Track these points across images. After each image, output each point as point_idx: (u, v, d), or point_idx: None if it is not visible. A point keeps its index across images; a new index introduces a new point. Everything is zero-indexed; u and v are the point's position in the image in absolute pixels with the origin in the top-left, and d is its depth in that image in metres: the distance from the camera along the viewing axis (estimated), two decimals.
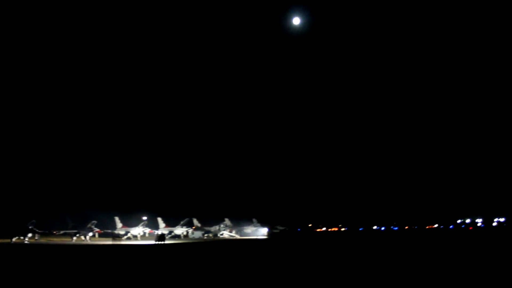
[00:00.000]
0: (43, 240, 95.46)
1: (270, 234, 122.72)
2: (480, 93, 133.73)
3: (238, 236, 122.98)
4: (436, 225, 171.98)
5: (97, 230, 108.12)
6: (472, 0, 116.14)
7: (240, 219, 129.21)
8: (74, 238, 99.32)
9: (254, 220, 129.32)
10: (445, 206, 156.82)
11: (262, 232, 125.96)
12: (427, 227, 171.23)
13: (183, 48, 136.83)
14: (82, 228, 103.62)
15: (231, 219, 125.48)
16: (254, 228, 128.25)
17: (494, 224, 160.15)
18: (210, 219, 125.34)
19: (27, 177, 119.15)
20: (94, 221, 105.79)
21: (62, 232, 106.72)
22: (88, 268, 37.81)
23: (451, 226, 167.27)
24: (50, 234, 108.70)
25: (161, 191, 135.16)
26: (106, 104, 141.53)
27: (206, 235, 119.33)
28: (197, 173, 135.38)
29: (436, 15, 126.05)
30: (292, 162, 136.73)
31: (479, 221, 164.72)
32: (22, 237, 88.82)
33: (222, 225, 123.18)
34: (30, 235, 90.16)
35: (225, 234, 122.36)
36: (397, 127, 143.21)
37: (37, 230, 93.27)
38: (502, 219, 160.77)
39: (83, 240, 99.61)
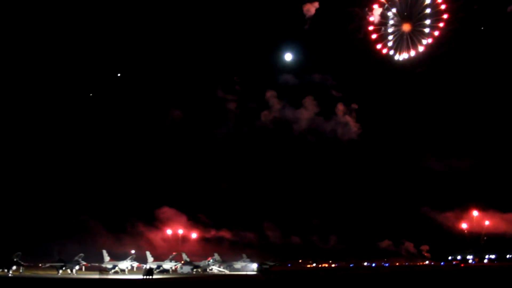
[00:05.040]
0: (28, 273, 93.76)
1: (259, 269, 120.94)
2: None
3: (227, 272, 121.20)
4: (427, 262, 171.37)
5: (84, 263, 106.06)
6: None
7: (229, 254, 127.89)
8: (60, 271, 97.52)
9: (243, 255, 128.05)
10: (436, 242, 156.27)
11: (251, 268, 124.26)
12: (418, 263, 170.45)
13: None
14: (68, 261, 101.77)
15: (220, 254, 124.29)
16: (243, 264, 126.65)
17: (485, 261, 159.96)
18: (199, 253, 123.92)
19: (12, 208, 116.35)
20: (81, 254, 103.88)
21: (48, 265, 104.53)
22: None
23: (442, 263, 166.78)
24: (35, 267, 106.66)
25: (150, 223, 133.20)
26: None
27: (195, 270, 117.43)
28: (187, 205, 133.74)
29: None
30: (279, 199, 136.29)
31: (469, 257, 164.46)
32: (5, 270, 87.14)
33: (211, 260, 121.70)
34: (14, 267, 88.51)
35: (215, 269, 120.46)
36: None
37: (21, 263, 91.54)
38: (492, 256, 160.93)
39: (69, 274, 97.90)
